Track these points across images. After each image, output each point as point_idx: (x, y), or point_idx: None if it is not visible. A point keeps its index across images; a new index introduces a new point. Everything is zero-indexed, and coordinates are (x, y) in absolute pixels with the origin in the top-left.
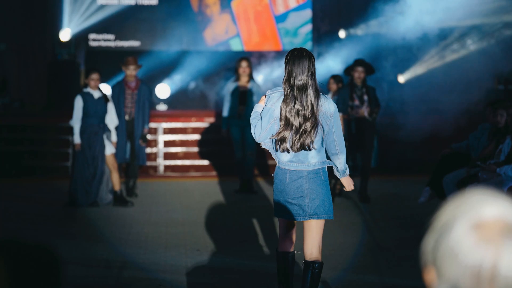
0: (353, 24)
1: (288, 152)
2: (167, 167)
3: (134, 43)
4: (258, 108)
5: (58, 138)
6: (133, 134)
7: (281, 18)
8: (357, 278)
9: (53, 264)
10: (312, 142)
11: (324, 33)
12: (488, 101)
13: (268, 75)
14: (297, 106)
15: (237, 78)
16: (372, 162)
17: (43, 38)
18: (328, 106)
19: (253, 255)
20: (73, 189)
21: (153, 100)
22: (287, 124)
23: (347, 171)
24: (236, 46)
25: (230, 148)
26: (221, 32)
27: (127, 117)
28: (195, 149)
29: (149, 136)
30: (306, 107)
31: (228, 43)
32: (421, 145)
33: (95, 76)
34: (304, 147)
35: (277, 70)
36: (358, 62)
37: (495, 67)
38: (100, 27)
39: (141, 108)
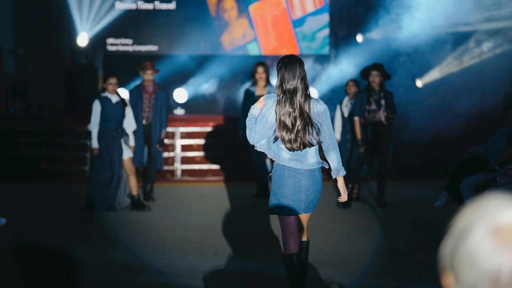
0: (370, 28)
1: (291, 151)
2: (184, 172)
3: (152, 48)
4: (254, 111)
5: (75, 143)
6: (150, 139)
7: (298, 23)
8: (374, 282)
9: (72, 268)
10: (310, 139)
11: (341, 37)
12: (506, 106)
13: None
14: (288, 108)
15: (254, 83)
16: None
17: (62, 42)
18: (318, 107)
19: (271, 259)
20: (91, 193)
21: (170, 105)
22: (283, 126)
23: (342, 172)
24: (254, 50)
25: (247, 152)
26: (238, 37)
27: (144, 122)
28: (212, 154)
29: (166, 141)
30: (296, 109)
31: (246, 48)
32: (438, 149)
33: (113, 80)
34: (305, 145)
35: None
36: (372, 67)
37: None
38: (118, 32)
39: (158, 112)
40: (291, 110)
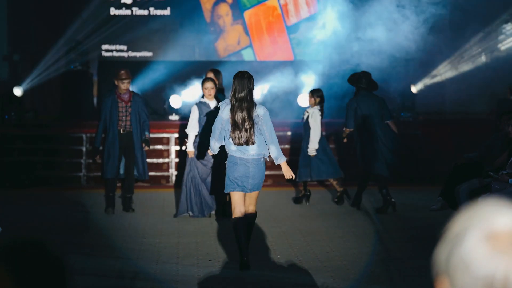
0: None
1: (239, 145)
2: (178, 178)
3: (147, 54)
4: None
5: (71, 149)
6: (131, 147)
7: (293, 29)
8: None
9: (60, 273)
10: (252, 138)
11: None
12: (500, 112)
13: (279, 84)
14: (240, 113)
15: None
16: (385, 171)
17: (56, 48)
18: (259, 111)
19: (266, 266)
20: (188, 198)
21: (148, 111)
22: (235, 125)
23: (280, 159)
24: (249, 56)
25: None
26: (233, 43)
27: (121, 131)
28: None
29: (160, 147)
30: (245, 113)
31: (241, 54)
32: (433, 155)
33: (208, 85)
34: (247, 142)
35: (287, 79)
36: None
37: (508, 78)
38: (112, 38)
39: (137, 119)
40: (242, 114)
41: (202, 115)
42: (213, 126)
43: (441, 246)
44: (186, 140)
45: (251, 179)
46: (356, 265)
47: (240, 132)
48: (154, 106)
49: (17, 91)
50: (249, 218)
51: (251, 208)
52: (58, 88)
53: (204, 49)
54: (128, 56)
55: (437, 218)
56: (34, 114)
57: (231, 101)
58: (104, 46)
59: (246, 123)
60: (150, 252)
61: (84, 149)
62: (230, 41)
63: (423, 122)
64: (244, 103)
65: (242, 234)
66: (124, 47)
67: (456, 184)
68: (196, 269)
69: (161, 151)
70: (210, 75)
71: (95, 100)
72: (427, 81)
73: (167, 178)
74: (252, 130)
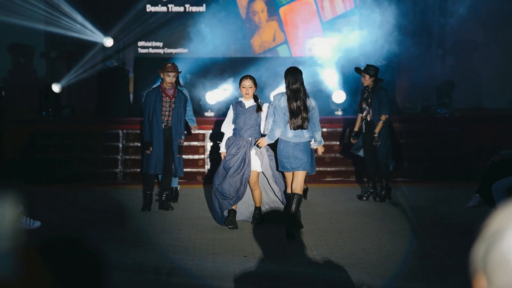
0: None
1: (294, 129)
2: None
3: (182, 50)
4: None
5: (106, 145)
6: (171, 144)
7: (328, 24)
8: (405, 285)
9: (97, 268)
10: (306, 123)
11: None
12: None
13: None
14: (295, 102)
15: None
16: (389, 165)
17: (93, 45)
18: (311, 102)
19: (300, 262)
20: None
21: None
22: (292, 113)
23: (322, 142)
24: (284, 53)
25: None
26: (268, 39)
27: (163, 126)
28: None
29: (196, 143)
30: (299, 102)
31: (276, 50)
32: (470, 152)
33: (247, 83)
34: (302, 126)
35: (323, 75)
36: (365, 69)
37: None
38: (149, 35)
39: (178, 117)
40: (297, 103)
41: (236, 115)
42: (273, 118)
43: (479, 244)
44: (218, 142)
45: (298, 159)
46: (392, 262)
47: (296, 118)
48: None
49: (55, 88)
50: (295, 196)
51: (298, 188)
52: (94, 84)
53: (240, 45)
54: (164, 52)
55: (474, 215)
56: (71, 111)
57: (286, 92)
58: (140, 43)
59: (301, 111)
60: (186, 247)
61: (120, 145)
62: (265, 37)
63: (459, 119)
64: (298, 93)
65: (290, 207)
66: (160, 44)
67: (493, 181)
68: (232, 265)
69: (196, 147)
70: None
71: (131, 96)
72: (464, 75)
73: (203, 174)
74: (306, 116)
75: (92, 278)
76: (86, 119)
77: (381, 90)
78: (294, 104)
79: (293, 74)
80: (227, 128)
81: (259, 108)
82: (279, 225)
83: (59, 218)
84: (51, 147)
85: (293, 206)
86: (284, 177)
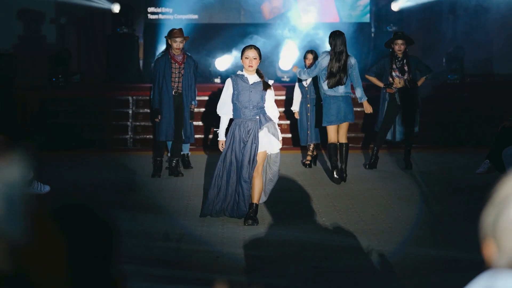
0: None
1: (331, 87)
2: None
3: (192, 16)
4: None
5: (117, 111)
6: (181, 110)
7: None
8: (415, 251)
9: (108, 233)
10: (344, 80)
11: (382, 6)
12: None
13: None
14: (337, 63)
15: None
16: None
17: (103, 11)
18: (352, 61)
19: (311, 228)
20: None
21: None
22: (331, 72)
23: (363, 98)
24: (294, 19)
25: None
26: (278, 5)
27: (173, 92)
28: None
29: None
30: (341, 63)
31: (286, 16)
32: (481, 117)
33: (250, 53)
34: (340, 83)
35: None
36: (397, 36)
37: None
38: (158, 1)
39: (188, 82)
40: (338, 64)
41: (237, 91)
42: (315, 71)
43: (488, 210)
44: (214, 129)
45: (342, 112)
46: (401, 228)
47: (333, 78)
48: (200, 69)
49: (64, 54)
50: (343, 146)
51: (343, 138)
52: (104, 51)
53: (250, 11)
54: (174, 18)
55: (483, 181)
56: (81, 77)
57: (330, 53)
58: (150, 9)
59: (340, 70)
60: (196, 214)
61: (130, 111)
62: (275, 3)
63: (470, 85)
64: (342, 55)
65: (333, 155)
66: (170, 10)
67: (504, 147)
68: (242, 231)
69: (206, 113)
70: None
71: (141, 63)
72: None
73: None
74: (344, 74)
75: (102, 244)
76: (96, 86)
77: (411, 56)
78: (336, 65)
79: (338, 37)
80: (226, 109)
81: (266, 86)
82: (289, 193)
83: (69, 184)
84: (62, 113)
85: (344, 153)
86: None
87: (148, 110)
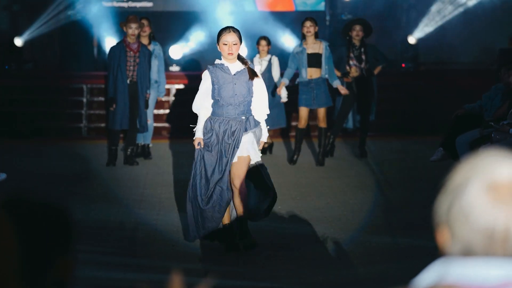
0: None
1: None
2: (179, 128)
3: (147, 4)
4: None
5: (71, 100)
6: (136, 99)
7: None
8: (369, 238)
9: (64, 224)
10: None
11: None
12: (501, 62)
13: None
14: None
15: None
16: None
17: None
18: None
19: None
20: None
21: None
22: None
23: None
24: (249, 6)
25: None
26: None
27: (128, 81)
28: None
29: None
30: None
31: (241, 4)
32: (434, 106)
33: (229, 38)
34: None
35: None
36: (355, 21)
37: (508, 27)
38: None
39: (143, 71)
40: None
41: (217, 85)
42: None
43: (442, 197)
44: (191, 126)
45: (317, 97)
46: (357, 216)
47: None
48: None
49: (18, 42)
50: (322, 130)
51: (322, 123)
52: (58, 39)
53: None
54: (128, 6)
55: (437, 168)
56: (34, 65)
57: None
58: None
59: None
60: (151, 202)
61: (84, 100)
62: None
63: (424, 73)
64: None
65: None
66: None
67: (457, 135)
68: None
69: (161, 102)
70: (145, 22)
71: (95, 51)
72: (427, 30)
73: (168, 129)
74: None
75: (56, 233)
76: (50, 74)
77: (368, 44)
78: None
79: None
80: (204, 104)
81: (252, 74)
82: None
83: (22, 173)
84: (15, 101)
85: (322, 138)
86: None
87: (103, 99)
